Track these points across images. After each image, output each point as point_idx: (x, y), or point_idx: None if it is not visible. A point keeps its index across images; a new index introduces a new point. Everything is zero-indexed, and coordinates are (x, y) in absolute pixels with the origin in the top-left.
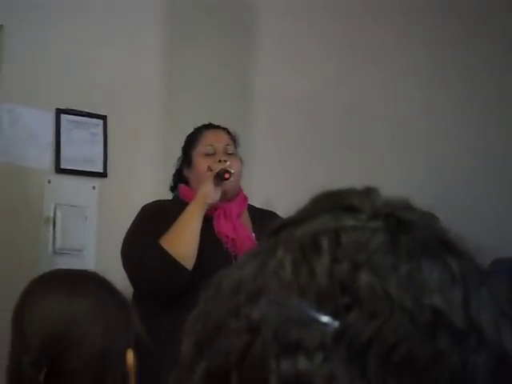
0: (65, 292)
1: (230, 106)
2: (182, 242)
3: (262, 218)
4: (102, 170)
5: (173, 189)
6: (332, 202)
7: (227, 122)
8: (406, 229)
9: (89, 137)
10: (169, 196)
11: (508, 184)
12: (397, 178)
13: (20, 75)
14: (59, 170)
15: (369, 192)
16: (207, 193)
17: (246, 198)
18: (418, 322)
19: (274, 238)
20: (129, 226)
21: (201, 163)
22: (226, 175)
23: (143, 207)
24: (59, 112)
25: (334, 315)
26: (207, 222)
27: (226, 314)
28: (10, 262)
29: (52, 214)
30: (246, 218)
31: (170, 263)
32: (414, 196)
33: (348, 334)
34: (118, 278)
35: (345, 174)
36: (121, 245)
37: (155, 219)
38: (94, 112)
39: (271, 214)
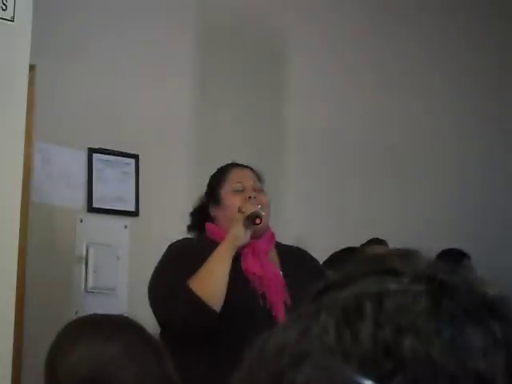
0: (97, 338)
1: (261, 144)
2: (212, 283)
3: (289, 254)
4: (133, 209)
5: (191, 228)
6: (374, 265)
7: (260, 158)
8: (449, 292)
9: (121, 176)
10: None
11: None
12: (423, 211)
13: (52, 115)
14: (91, 209)
15: (410, 254)
16: (238, 235)
17: (273, 235)
18: None
19: (317, 301)
20: (156, 265)
21: (231, 201)
22: (257, 220)
23: (170, 246)
24: (91, 151)
25: (379, 380)
26: (235, 259)
27: (270, 378)
28: (44, 301)
29: (84, 253)
30: (273, 254)
31: (198, 305)
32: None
33: None
34: (151, 317)
35: (377, 211)
36: (150, 281)
37: (183, 258)
38: (125, 151)
39: (298, 250)
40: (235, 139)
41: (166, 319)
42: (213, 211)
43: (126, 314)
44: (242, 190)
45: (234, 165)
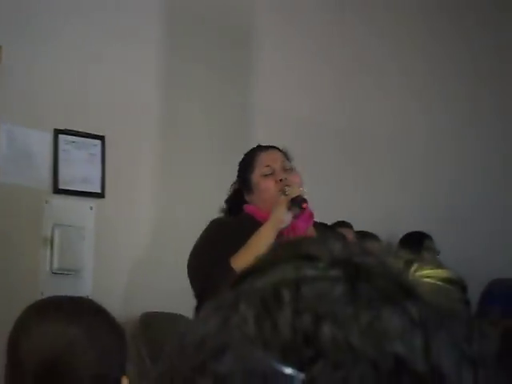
0: (60, 319)
1: (228, 124)
2: None
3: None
4: (99, 191)
5: (228, 214)
6: (291, 251)
7: (226, 145)
8: (365, 276)
9: (87, 157)
10: (169, 217)
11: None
12: (393, 198)
13: (18, 96)
14: (57, 191)
15: (326, 239)
16: (282, 218)
17: (311, 214)
18: (382, 370)
19: (234, 289)
20: (198, 238)
21: (265, 185)
22: (304, 205)
23: (212, 222)
24: (57, 132)
25: (299, 368)
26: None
27: (192, 370)
28: (8, 282)
29: (50, 234)
30: (311, 233)
31: None
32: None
33: None
34: (115, 298)
35: (345, 199)
36: (191, 257)
37: (225, 235)
38: (92, 132)
39: (332, 228)
40: (202, 122)
41: (205, 293)
42: (248, 197)
43: (90, 297)
44: (273, 173)
45: (260, 148)
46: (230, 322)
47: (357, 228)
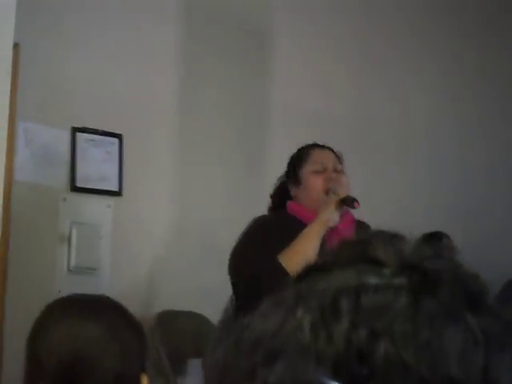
0: (78, 318)
1: (245, 123)
2: (301, 260)
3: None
4: (117, 189)
5: (273, 209)
6: (356, 253)
7: (243, 142)
8: (431, 287)
9: (104, 155)
10: (186, 215)
11: None
12: (401, 191)
13: (36, 94)
14: (75, 189)
15: (395, 239)
16: (331, 217)
17: (353, 218)
18: None
19: (295, 286)
20: (241, 236)
21: (314, 181)
22: (356, 204)
23: (256, 219)
24: (75, 130)
25: None
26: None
27: (242, 373)
28: (26, 280)
29: (67, 232)
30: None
31: (288, 279)
32: (422, 212)
33: None
34: (132, 295)
35: (356, 189)
36: (234, 255)
37: (269, 233)
38: (109, 130)
39: (363, 225)
40: (220, 120)
41: (253, 292)
42: (293, 191)
43: (107, 295)
44: (323, 171)
45: (315, 145)
46: (286, 325)
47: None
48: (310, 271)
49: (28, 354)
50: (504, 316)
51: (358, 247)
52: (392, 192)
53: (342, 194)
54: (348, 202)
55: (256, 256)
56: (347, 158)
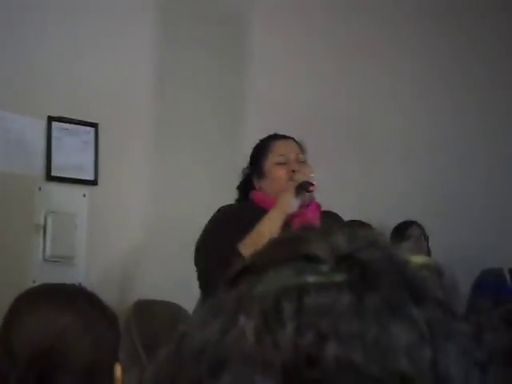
0: (52, 307)
1: (222, 111)
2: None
3: (326, 219)
4: (92, 178)
5: (240, 201)
6: (291, 250)
7: (222, 133)
8: (371, 281)
9: (80, 144)
10: (162, 204)
11: (508, 194)
12: (399, 190)
13: (11, 83)
14: (50, 178)
15: (328, 233)
16: (289, 202)
17: (319, 206)
18: None
19: (235, 290)
20: (205, 226)
21: (277, 173)
22: (311, 187)
23: (219, 209)
24: (50, 120)
25: None
26: (284, 228)
27: None
28: (1, 269)
29: (43, 222)
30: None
31: None
32: (417, 207)
33: None
34: (109, 285)
35: (344, 187)
36: (198, 244)
37: (232, 222)
38: (85, 120)
39: (331, 215)
40: (196, 108)
41: (214, 280)
42: (257, 183)
43: (82, 284)
44: (286, 163)
45: (277, 136)
46: (229, 334)
47: (363, 217)
48: (245, 272)
49: (1, 344)
50: (446, 302)
51: (292, 244)
52: (387, 183)
53: (299, 179)
54: (303, 186)
55: (216, 245)
56: (340, 148)
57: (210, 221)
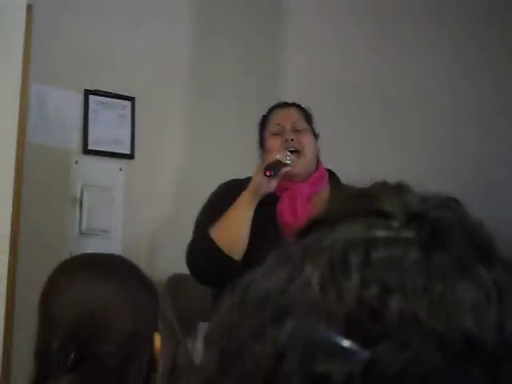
0: (91, 276)
1: (261, 87)
2: (230, 233)
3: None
4: (129, 152)
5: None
6: (364, 205)
7: (257, 107)
8: (441, 240)
9: (117, 118)
10: (198, 179)
11: None
12: (423, 163)
13: (48, 56)
14: (87, 151)
15: (401, 191)
16: (258, 184)
17: (323, 175)
18: (451, 349)
19: (303, 241)
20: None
21: (272, 144)
22: (267, 173)
23: (220, 185)
24: (87, 93)
25: (363, 344)
26: (274, 203)
27: (250, 333)
28: (37, 243)
29: (79, 195)
30: (325, 196)
31: (215, 254)
32: (441, 180)
33: (378, 367)
34: (144, 259)
35: (375, 158)
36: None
37: (223, 201)
38: (122, 93)
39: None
40: (234, 82)
41: (188, 262)
42: (260, 155)
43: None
44: (281, 132)
45: (279, 105)
46: (294, 282)
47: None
48: (316, 225)
49: (40, 313)
50: None
51: (364, 200)
52: (414, 158)
53: (269, 159)
54: (273, 167)
55: (199, 225)
56: (367, 123)
57: (209, 195)
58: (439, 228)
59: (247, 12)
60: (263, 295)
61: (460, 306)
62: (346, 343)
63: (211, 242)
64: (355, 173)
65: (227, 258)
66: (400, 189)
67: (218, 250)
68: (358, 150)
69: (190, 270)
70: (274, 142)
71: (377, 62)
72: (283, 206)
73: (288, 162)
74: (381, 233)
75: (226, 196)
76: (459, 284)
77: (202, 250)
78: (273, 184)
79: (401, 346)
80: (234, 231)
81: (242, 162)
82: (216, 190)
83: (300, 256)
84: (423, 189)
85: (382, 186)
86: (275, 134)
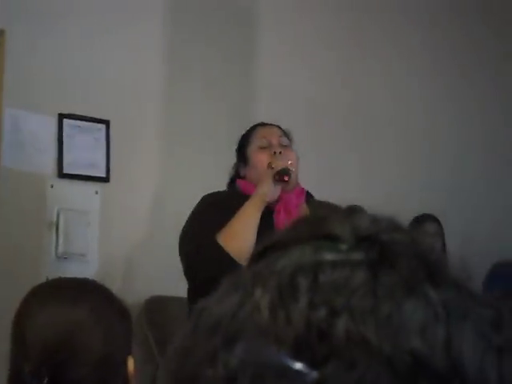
0: (65, 301)
1: (232, 108)
2: (239, 238)
3: (320, 209)
4: (104, 175)
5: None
6: (313, 229)
7: (230, 125)
8: (390, 259)
9: (91, 142)
10: (173, 200)
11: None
12: (396, 178)
13: (22, 80)
14: (62, 175)
15: (352, 214)
16: (266, 191)
17: (303, 190)
18: (399, 369)
19: (254, 267)
20: (189, 215)
21: (258, 157)
22: (285, 177)
23: (203, 198)
24: (62, 117)
25: (312, 365)
26: (268, 215)
27: (203, 358)
28: (14, 267)
29: (55, 219)
30: (304, 209)
31: (225, 260)
32: (413, 196)
33: None
34: (121, 281)
35: (346, 173)
36: (180, 233)
37: (215, 210)
38: (96, 117)
39: (329, 205)
40: (206, 105)
41: (194, 270)
42: (242, 171)
43: (93, 278)
44: (268, 146)
45: (261, 124)
46: (244, 307)
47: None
48: (267, 250)
49: (13, 337)
50: (465, 285)
51: (314, 224)
52: (387, 175)
53: (278, 166)
54: (281, 175)
55: (197, 234)
56: (335, 142)
57: (194, 208)
58: (388, 249)
59: (218, 37)
60: (215, 320)
61: (407, 325)
62: (295, 365)
63: (220, 248)
64: (324, 196)
65: (235, 264)
66: (351, 212)
67: (227, 256)
68: (328, 173)
69: (194, 280)
70: (261, 156)
71: (349, 83)
72: (280, 218)
73: (293, 169)
74: (329, 256)
75: (217, 205)
76: (406, 303)
77: (210, 257)
78: (277, 192)
79: (348, 366)
80: (244, 237)
81: (216, 183)
82: (204, 201)
83: (251, 281)
84: (382, 211)
85: (333, 210)
86: (262, 148)
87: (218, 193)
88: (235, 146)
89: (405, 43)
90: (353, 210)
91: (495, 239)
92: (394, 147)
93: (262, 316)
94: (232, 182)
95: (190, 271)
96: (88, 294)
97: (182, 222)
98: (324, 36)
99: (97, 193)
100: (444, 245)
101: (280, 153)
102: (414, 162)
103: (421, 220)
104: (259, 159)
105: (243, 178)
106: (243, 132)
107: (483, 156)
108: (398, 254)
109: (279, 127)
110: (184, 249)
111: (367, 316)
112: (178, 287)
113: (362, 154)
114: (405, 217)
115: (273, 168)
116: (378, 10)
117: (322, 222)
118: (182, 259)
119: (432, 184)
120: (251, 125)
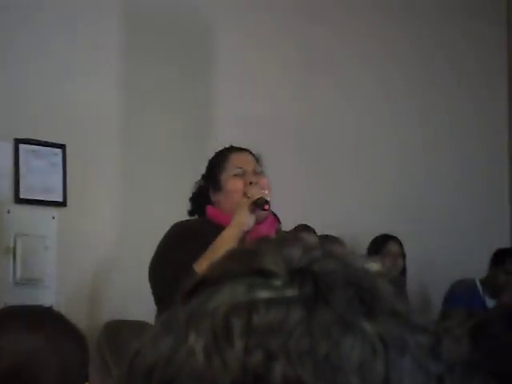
0: (19, 329)
1: (188, 132)
2: None
3: None
4: (61, 200)
5: (192, 213)
6: (247, 263)
7: (187, 148)
8: (324, 296)
9: (48, 166)
10: (131, 225)
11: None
12: (360, 203)
13: None
14: (19, 200)
15: (283, 245)
16: (244, 221)
17: (275, 220)
18: None
19: (187, 306)
20: (160, 243)
21: (234, 186)
22: (266, 206)
23: (174, 226)
24: (18, 142)
25: None
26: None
27: None
28: None
29: (12, 244)
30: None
31: None
32: (374, 218)
33: None
34: (79, 307)
35: (306, 200)
36: (152, 260)
37: (187, 239)
38: (53, 141)
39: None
40: (164, 129)
41: (170, 300)
42: (214, 196)
43: (54, 306)
44: (243, 175)
45: (233, 149)
46: (179, 351)
47: (319, 232)
48: (200, 285)
49: None
50: (400, 311)
51: (247, 258)
52: (343, 196)
53: (254, 195)
54: (259, 205)
55: (171, 263)
56: (295, 161)
57: (165, 237)
58: (322, 283)
59: (172, 61)
60: (150, 364)
61: (345, 364)
62: None
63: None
64: (283, 213)
65: None
66: (282, 243)
67: None
68: (293, 199)
69: (167, 307)
70: (236, 184)
71: (305, 101)
72: None
73: (269, 198)
74: (263, 293)
75: (191, 235)
76: (343, 341)
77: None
78: (253, 220)
79: None
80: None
81: (174, 207)
82: (174, 231)
83: (184, 323)
84: (342, 233)
85: (265, 242)
86: (237, 176)
87: (190, 221)
88: (194, 170)
89: (364, 63)
90: (284, 241)
91: (454, 258)
92: (352, 168)
93: (197, 361)
94: (198, 206)
95: (164, 299)
96: (43, 322)
97: (141, 246)
98: (280, 58)
99: (54, 217)
100: (404, 267)
101: (256, 183)
102: (372, 182)
103: (381, 240)
104: (235, 188)
105: (214, 202)
106: (200, 155)
107: (454, 178)
108: (331, 286)
109: (251, 152)
110: (158, 277)
111: (304, 357)
112: (137, 311)
113: (322, 179)
114: (365, 238)
115: (248, 197)
116: (334, 31)
117: (253, 255)
118: (154, 287)
119: (394, 206)
120: (209, 148)
